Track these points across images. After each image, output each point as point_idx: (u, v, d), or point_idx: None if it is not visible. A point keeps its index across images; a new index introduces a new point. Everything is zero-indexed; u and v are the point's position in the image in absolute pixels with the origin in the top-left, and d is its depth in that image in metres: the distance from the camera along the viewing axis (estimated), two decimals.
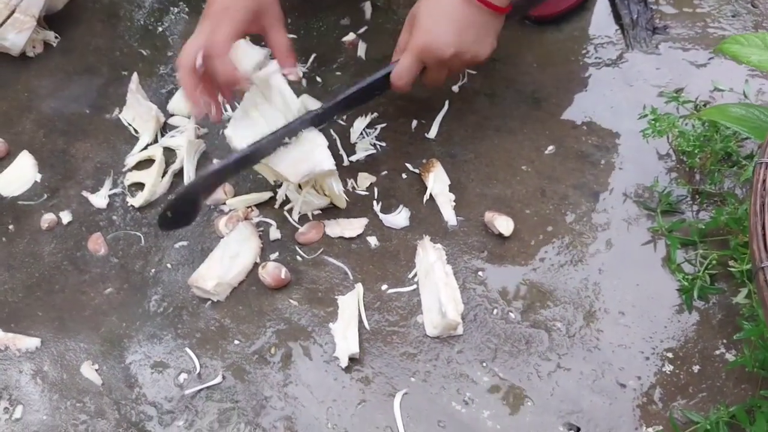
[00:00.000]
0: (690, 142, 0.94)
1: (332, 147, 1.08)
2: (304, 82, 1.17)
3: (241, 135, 0.94)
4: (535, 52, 1.15)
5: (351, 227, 1.00)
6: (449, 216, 1.00)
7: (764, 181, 0.66)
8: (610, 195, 0.99)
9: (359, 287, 0.94)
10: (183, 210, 0.96)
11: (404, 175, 1.05)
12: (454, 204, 1.01)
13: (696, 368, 0.85)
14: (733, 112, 0.88)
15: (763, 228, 0.64)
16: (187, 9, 1.31)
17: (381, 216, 1.01)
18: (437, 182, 1.02)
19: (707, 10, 1.16)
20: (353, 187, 1.04)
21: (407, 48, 0.93)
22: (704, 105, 1.05)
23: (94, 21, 1.31)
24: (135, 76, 1.17)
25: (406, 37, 0.95)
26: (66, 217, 1.07)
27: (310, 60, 1.19)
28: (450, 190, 1.02)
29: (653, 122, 0.93)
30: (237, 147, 0.94)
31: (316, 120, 0.96)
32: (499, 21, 0.94)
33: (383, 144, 1.08)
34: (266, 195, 1.03)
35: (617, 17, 1.17)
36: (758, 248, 0.63)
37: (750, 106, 0.90)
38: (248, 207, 1.02)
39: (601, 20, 1.18)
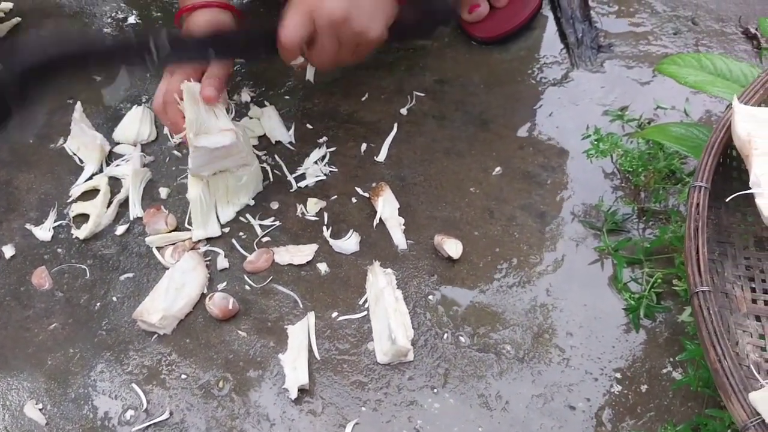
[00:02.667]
0: (633, 161, 0.95)
1: (280, 172, 1.08)
2: (252, 106, 1.16)
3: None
4: (482, 73, 1.16)
5: (300, 254, 0.99)
6: (399, 240, 1.00)
7: (698, 204, 0.67)
8: (557, 215, 0.99)
9: (311, 316, 0.93)
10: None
11: (354, 200, 1.04)
12: (403, 227, 1.01)
13: (644, 387, 0.85)
14: (673, 131, 0.90)
15: (698, 252, 0.64)
16: (132, 34, 1.29)
17: (331, 242, 1.00)
18: (387, 206, 1.02)
19: (650, 28, 1.18)
20: (303, 213, 1.04)
21: (298, 3, 0.88)
22: (648, 123, 1.06)
23: None
24: (78, 105, 1.15)
25: (293, 4, 0.90)
26: (8, 251, 1.05)
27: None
28: (400, 214, 1.02)
29: (596, 143, 0.94)
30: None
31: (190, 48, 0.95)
32: (391, 6, 0.91)
33: (333, 168, 1.08)
34: (187, 234, 1.02)
35: (563, 36, 1.19)
36: (693, 273, 0.64)
37: (690, 125, 0.92)
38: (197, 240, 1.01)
39: (547, 40, 1.19)
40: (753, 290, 0.68)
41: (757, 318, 0.66)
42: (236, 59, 1.07)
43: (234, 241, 1.01)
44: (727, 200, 0.67)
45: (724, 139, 0.71)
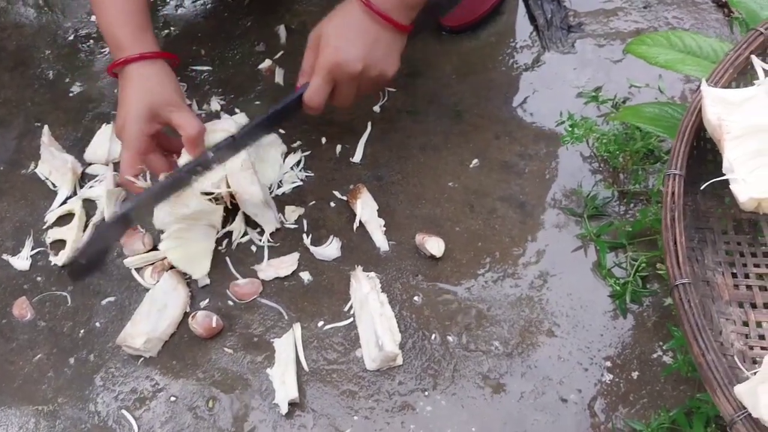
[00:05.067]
0: (609, 144, 0.93)
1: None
2: (223, 114, 1.14)
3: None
4: (453, 63, 1.14)
5: (284, 265, 0.98)
6: (381, 242, 0.99)
7: (673, 193, 0.66)
8: (537, 204, 0.98)
9: (296, 327, 0.92)
10: (94, 256, 0.95)
11: (332, 204, 1.03)
12: (384, 229, 1.00)
13: (635, 374, 0.85)
14: (647, 112, 0.88)
15: (675, 243, 0.63)
16: (97, 50, 1.27)
17: (312, 249, 0.99)
18: (365, 208, 1.01)
19: (620, 3, 1.16)
20: (281, 222, 1.02)
21: (317, 67, 0.91)
22: (623, 102, 1.05)
23: (1, 71, 1.27)
24: (46, 128, 1.13)
25: (312, 58, 0.92)
26: None
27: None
28: (379, 215, 1.01)
29: (571, 129, 0.93)
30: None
31: (229, 149, 0.94)
32: (402, 40, 0.93)
33: (309, 173, 1.06)
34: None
35: (532, 19, 1.17)
36: (672, 264, 0.63)
37: (664, 104, 0.90)
38: None
39: (517, 24, 1.17)
40: (734, 275, 0.67)
41: (740, 304, 0.65)
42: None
43: (228, 261, 1.00)
44: (702, 188, 0.66)
45: (696, 122, 0.70)
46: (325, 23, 0.92)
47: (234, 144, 0.93)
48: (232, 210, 1.01)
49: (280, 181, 1.06)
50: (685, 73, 0.85)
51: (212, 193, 0.97)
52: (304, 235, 1.00)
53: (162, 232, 0.96)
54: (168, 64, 0.98)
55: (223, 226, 1.01)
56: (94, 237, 0.95)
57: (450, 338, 0.90)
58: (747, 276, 0.67)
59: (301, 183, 1.05)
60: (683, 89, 1.05)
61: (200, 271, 0.97)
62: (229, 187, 0.97)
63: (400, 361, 0.89)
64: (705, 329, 0.59)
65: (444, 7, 1.04)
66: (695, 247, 0.69)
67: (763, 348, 0.62)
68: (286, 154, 1.08)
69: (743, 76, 0.75)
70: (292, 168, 1.07)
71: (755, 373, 0.57)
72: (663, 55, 0.86)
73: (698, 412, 0.78)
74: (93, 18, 1.31)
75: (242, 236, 1.02)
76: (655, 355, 0.86)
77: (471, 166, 1.03)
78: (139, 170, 0.93)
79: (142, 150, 0.92)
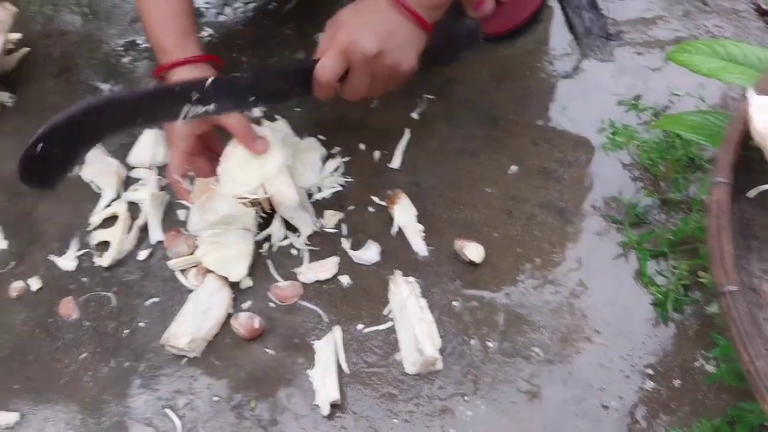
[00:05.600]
0: (651, 152, 0.94)
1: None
2: (263, 121, 1.16)
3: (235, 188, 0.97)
4: (490, 70, 1.15)
5: (324, 269, 0.99)
6: (419, 247, 1.00)
7: (719, 201, 0.66)
8: (577, 210, 0.99)
9: (336, 330, 0.94)
10: (54, 156, 0.88)
11: (371, 209, 1.04)
12: (423, 234, 1.01)
13: (677, 382, 0.85)
14: (689, 120, 0.88)
15: (722, 250, 0.64)
16: (140, 56, 1.29)
17: (351, 253, 1.00)
18: (404, 214, 1.02)
19: (659, 12, 1.16)
20: (321, 226, 1.04)
21: (332, 44, 0.90)
22: (663, 110, 1.05)
23: (46, 77, 1.30)
24: None
25: (327, 41, 0.92)
26: (35, 283, 1.06)
27: None
28: (418, 220, 1.02)
29: (612, 136, 0.93)
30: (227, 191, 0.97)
31: (229, 96, 0.91)
32: (421, 38, 0.92)
33: (348, 178, 1.08)
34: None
35: (570, 27, 1.18)
36: (719, 272, 0.63)
37: (706, 112, 0.90)
38: None
39: (555, 32, 1.18)
40: None
41: None
42: (273, 103, 1.07)
43: (270, 267, 1.01)
44: (748, 195, 0.66)
45: (741, 131, 0.69)
46: (344, 9, 0.92)
47: (234, 90, 0.91)
48: (272, 214, 1.03)
49: (320, 186, 1.07)
50: (729, 81, 0.84)
51: (246, 198, 0.98)
52: (344, 239, 1.01)
53: None
54: (213, 67, 1.00)
55: (264, 229, 1.03)
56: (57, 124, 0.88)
57: (490, 344, 0.90)
58: None
59: (340, 188, 1.07)
60: (723, 98, 1.04)
61: (237, 273, 0.99)
62: (265, 192, 0.98)
63: (439, 365, 0.89)
64: (754, 337, 0.59)
65: (462, 44, 1.04)
66: (741, 255, 0.68)
67: None
68: (326, 159, 1.10)
69: None
70: (331, 173, 1.08)
71: None
72: (706, 64, 0.86)
73: (742, 421, 0.78)
74: (136, 25, 1.34)
75: (283, 240, 1.03)
76: (697, 364, 0.85)
77: (509, 172, 1.04)
78: (187, 171, 0.95)
79: (190, 150, 0.95)
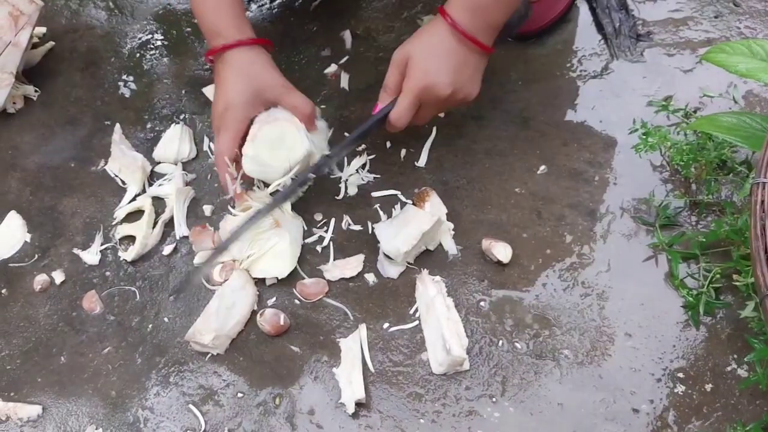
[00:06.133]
0: (683, 154, 0.92)
1: (324, 180, 1.07)
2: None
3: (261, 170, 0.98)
4: (519, 70, 1.14)
5: (349, 266, 0.98)
6: (449, 246, 0.99)
7: (762, 202, 0.65)
8: (607, 212, 0.97)
9: (362, 328, 0.93)
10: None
11: (397, 207, 1.03)
12: (452, 233, 1.00)
13: (708, 387, 0.83)
14: (723, 121, 0.87)
15: (766, 252, 0.62)
16: (165, 51, 1.29)
17: (381, 249, 0.98)
18: (434, 211, 1.00)
19: (689, 13, 1.14)
20: (348, 224, 1.03)
21: (406, 89, 0.93)
22: (694, 112, 1.03)
23: (72, 71, 1.30)
24: (117, 126, 1.16)
25: (396, 77, 0.95)
26: (59, 276, 1.05)
27: None
28: (447, 219, 1.01)
29: (644, 137, 0.92)
30: (251, 173, 0.98)
31: (320, 168, 0.99)
32: (485, 62, 0.96)
33: (374, 176, 1.07)
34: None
35: (599, 27, 1.16)
36: (762, 274, 0.62)
37: (741, 114, 0.89)
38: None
39: (583, 31, 1.17)
40: None
41: None
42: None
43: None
44: None
45: None
46: (412, 43, 0.94)
47: (324, 164, 1.00)
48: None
49: (346, 183, 1.06)
50: (767, 82, 0.83)
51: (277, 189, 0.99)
52: (369, 237, 1.00)
53: None
54: (266, 49, 1.01)
55: None
56: (194, 273, 1.00)
57: (518, 345, 0.89)
58: None
59: (366, 185, 1.06)
60: (758, 99, 1.03)
61: (284, 270, 0.98)
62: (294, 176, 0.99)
63: (467, 365, 0.88)
64: None
65: (513, 27, 1.04)
66: None
67: None
68: (352, 158, 1.09)
69: None
70: (357, 171, 1.08)
71: None
72: (744, 64, 0.85)
73: None
74: (163, 19, 1.34)
75: (308, 237, 1.02)
76: (729, 368, 0.84)
77: (538, 172, 1.03)
78: (236, 154, 0.95)
79: (242, 133, 0.96)
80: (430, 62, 0.91)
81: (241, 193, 0.99)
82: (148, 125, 1.20)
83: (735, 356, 0.85)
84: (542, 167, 1.03)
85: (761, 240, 0.63)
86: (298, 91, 0.98)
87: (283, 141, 0.96)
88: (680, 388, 0.84)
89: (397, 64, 0.94)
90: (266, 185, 1.00)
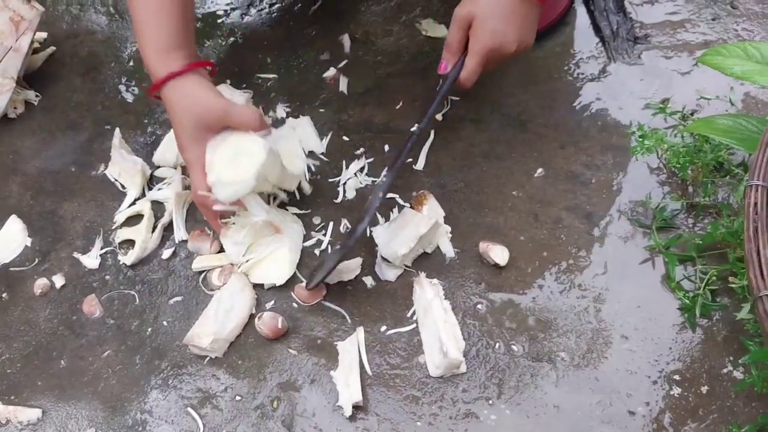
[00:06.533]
0: (680, 156, 0.92)
1: (322, 183, 1.07)
2: (290, 121, 1.16)
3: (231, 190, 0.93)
4: (517, 73, 1.14)
5: (348, 270, 0.99)
6: (447, 249, 0.99)
7: (755, 204, 0.65)
8: (604, 214, 0.98)
9: (360, 331, 0.93)
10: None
11: (395, 210, 1.04)
12: (450, 236, 1.00)
13: (704, 389, 0.83)
14: (720, 124, 0.87)
15: (758, 254, 0.62)
16: None
17: (378, 253, 0.99)
18: (432, 214, 1.01)
19: (687, 15, 1.15)
20: (346, 227, 1.03)
21: (474, 51, 0.95)
22: (691, 114, 1.03)
23: (73, 76, 1.31)
24: (117, 131, 1.16)
25: (459, 35, 0.96)
26: (59, 280, 1.06)
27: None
28: (444, 222, 1.01)
29: (641, 139, 0.92)
30: (222, 198, 0.94)
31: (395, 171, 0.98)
32: (539, 10, 0.98)
33: (373, 179, 1.07)
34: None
35: (597, 30, 1.16)
36: (755, 276, 0.62)
37: (737, 116, 0.89)
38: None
39: (581, 34, 1.17)
40: None
41: None
42: None
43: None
44: None
45: None
46: (475, 2, 0.95)
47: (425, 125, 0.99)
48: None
49: (345, 186, 1.07)
50: (762, 84, 0.83)
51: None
52: (367, 240, 1.01)
53: None
54: (200, 72, 0.97)
55: None
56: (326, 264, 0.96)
57: (515, 347, 0.90)
58: None
59: (363, 187, 1.06)
60: (755, 101, 1.03)
61: (283, 276, 0.98)
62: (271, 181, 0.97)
63: (463, 368, 0.89)
64: None
65: None
66: None
67: None
68: (351, 161, 1.09)
69: None
70: (356, 174, 1.08)
71: None
72: (739, 66, 0.85)
73: None
74: None
75: (307, 240, 1.03)
76: (725, 370, 0.84)
77: (535, 175, 1.03)
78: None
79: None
80: (497, 23, 0.93)
81: (223, 226, 0.99)
82: (149, 129, 1.21)
83: (731, 358, 0.85)
84: (539, 170, 1.03)
85: (754, 242, 0.63)
86: (239, 106, 0.94)
87: (239, 153, 0.92)
88: (676, 391, 0.84)
89: (459, 22, 0.95)
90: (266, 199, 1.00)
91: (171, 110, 0.95)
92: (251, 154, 0.92)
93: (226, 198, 0.93)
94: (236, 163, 0.92)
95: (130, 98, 1.26)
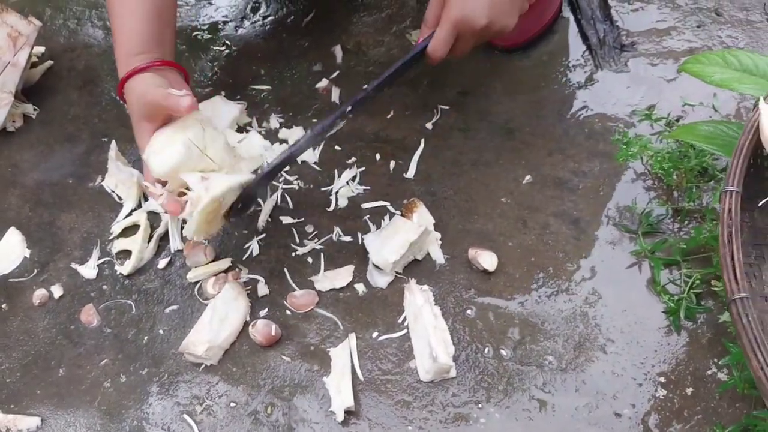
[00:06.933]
0: (664, 162, 0.94)
1: (315, 192, 1.09)
2: (283, 131, 1.17)
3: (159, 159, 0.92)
4: (504, 81, 1.16)
5: (340, 277, 1.00)
6: (437, 255, 1.01)
7: (730, 210, 0.67)
8: (591, 220, 0.99)
9: (351, 337, 0.95)
10: (245, 203, 0.97)
11: (386, 218, 1.05)
12: (440, 243, 1.02)
13: (689, 390, 0.85)
14: (702, 130, 0.89)
15: (733, 258, 0.64)
16: None
17: (370, 260, 1.00)
18: (422, 222, 1.03)
19: (672, 23, 1.17)
20: (339, 235, 1.05)
21: (443, 20, 0.95)
22: (677, 120, 1.05)
23: (70, 90, 1.33)
24: (113, 144, 1.18)
25: (436, 8, 0.97)
26: (57, 291, 1.08)
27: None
28: (434, 229, 1.03)
29: (625, 147, 0.94)
30: (154, 168, 0.92)
31: (355, 106, 0.98)
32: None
33: (364, 188, 1.09)
34: (225, 263, 1.05)
35: (584, 38, 1.18)
36: (729, 279, 0.63)
37: (719, 122, 0.91)
38: (237, 267, 1.03)
39: (568, 43, 1.19)
40: None
41: None
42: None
43: (285, 269, 1.04)
44: (759, 204, 0.66)
45: (753, 140, 0.70)
46: None
47: (360, 101, 0.98)
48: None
49: (338, 195, 1.09)
50: (741, 92, 0.85)
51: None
52: (359, 248, 1.03)
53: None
54: (164, 73, 0.98)
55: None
56: (246, 191, 0.95)
57: (503, 352, 0.91)
58: None
59: (356, 195, 1.08)
60: (737, 108, 1.05)
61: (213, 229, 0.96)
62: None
63: (453, 373, 0.90)
64: (764, 343, 0.59)
65: None
66: (753, 263, 0.69)
67: None
68: (343, 170, 1.11)
69: None
70: (348, 183, 1.10)
71: None
72: (719, 74, 0.87)
73: (755, 429, 0.78)
74: None
75: (301, 247, 1.04)
76: (709, 372, 0.86)
77: (524, 182, 1.05)
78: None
79: None
80: None
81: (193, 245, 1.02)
82: None
83: (715, 360, 0.86)
84: (528, 177, 1.05)
85: (728, 247, 0.64)
86: (167, 93, 0.92)
87: (176, 131, 0.92)
88: (662, 393, 0.85)
89: None
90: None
91: (128, 107, 0.98)
92: (185, 126, 0.92)
93: (157, 169, 0.91)
94: (171, 139, 0.92)
95: (126, 112, 1.27)
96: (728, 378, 0.83)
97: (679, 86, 1.09)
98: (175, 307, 1.03)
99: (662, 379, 0.86)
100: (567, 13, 1.22)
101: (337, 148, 1.14)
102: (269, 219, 1.08)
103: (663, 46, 1.14)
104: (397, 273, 1.00)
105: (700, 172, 0.97)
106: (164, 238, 1.10)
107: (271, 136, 1.18)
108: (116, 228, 1.12)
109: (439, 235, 1.02)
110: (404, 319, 0.96)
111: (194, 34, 1.35)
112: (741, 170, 0.69)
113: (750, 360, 0.60)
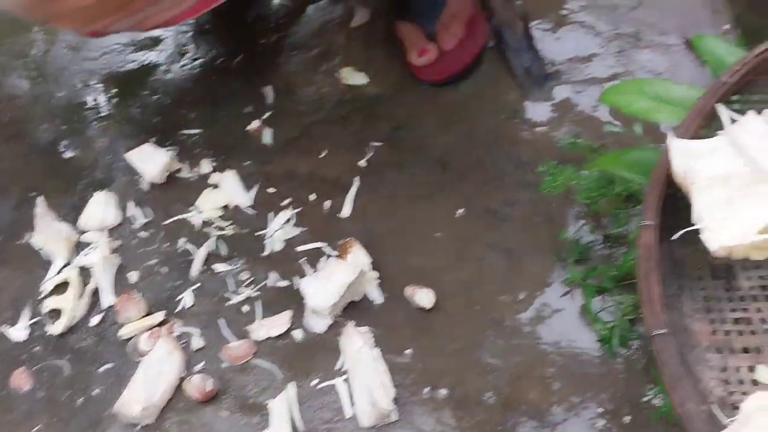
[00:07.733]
0: (589, 191, 0.95)
1: (249, 237, 1.08)
2: (215, 176, 1.16)
3: None
4: (436, 115, 1.17)
5: (277, 324, 0.99)
6: (375, 295, 1.00)
7: (647, 245, 0.67)
8: (524, 250, 1.00)
9: (290, 388, 0.93)
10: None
11: (324, 259, 1.05)
12: (378, 281, 1.01)
13: (627, 419, 0.85)
14: (625, 159, 0.90)
15: (651, 293, 0.65)
16: (87, 117, 1.30)
17: (307, 305, 0.99)
18: (357, 262, 1.02)
19: (595, 50, 1.19)
20: (275, 280, 1.04)
21: None
22: (601, 147, 1.07)
23: None
24: (41, 199, 1.15)
25: None
26: None
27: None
28: (371, 268, 1.02)
29: (550, 178, 0.95)
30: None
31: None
32: None
33: (300, 229, 1.08)
34: (159, 317, 1.03)
35: (510, 69, 1.20)
36: (648, 315, 0.64)
37: (642, 149, 0.92)
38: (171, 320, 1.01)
39: (496, 74, 1.20)
40: (712, 321, 0.68)
41: (719, 350, 0.66)
42: None
43: (219, 320, 1.02)
44: (673, 238, 0.67)
45: (667, 173, 0.71)
46: None
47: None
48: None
49: (273, 239, 1.08)
50: (659, 120, 0.86)
51: None
52: (296, 293, 1.01)
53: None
54: None
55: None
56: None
57: (442, 391, 0.91)
58: (724, 321, 0.68)
59: (292, 237, 1.07)
60: (660, 131, 1.07)
61: None
62: None
63: (394, 416, 0.89)
64: (682, 379, 0.60)
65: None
66: (674, 294, 0.70)
67: (743, 393, 0.63)
68: (276, 213, 1.10)
69: (713, 122, 0.77)
70: (282, 225, 1.09)
71: (734, 421, 0.58)
72: (636, 104, 0.88)
73: None
74: (88, 85, 1.34)
75: (236, 295, 1.03)
76: (645, 399, 0.86)
77: (456, 215, 1.05)
78: None
79: None
80: None
81: None
82: (75, 193, 1.20)
83: (651, 386, 0.87)
84: (460, 210, 1.05)
85: (645, 282, 0.65)
86: None
87: None
88: (600, 423, 0.86)
89: None
90: None
91: None
92: None
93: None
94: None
95: (56, 162, 1.25)
96: (662, 404, 0.84)
97: (604, 113, 1.11)
98: (109, 365, 1.00)
99: (600, 409, 0.86)
100: (492, 44, 1.24)
101: (272, 190, 1.13)
102: (204, 267, 1.06)
103: (586, 73, 1.17)
104: (336, 316, 0.99)
105: (627, 197, 0.99)
106: (97, 294, 1.07)
107: (203, 180, 1.16)
108: (47, 286, 1.09)
109: (376, 274, 1.02)
110: (343, 364, 0.95)
111: (122, 80, 1.33)
112: (656, 203, 0.70)
113: (672, 396, 0.60)
